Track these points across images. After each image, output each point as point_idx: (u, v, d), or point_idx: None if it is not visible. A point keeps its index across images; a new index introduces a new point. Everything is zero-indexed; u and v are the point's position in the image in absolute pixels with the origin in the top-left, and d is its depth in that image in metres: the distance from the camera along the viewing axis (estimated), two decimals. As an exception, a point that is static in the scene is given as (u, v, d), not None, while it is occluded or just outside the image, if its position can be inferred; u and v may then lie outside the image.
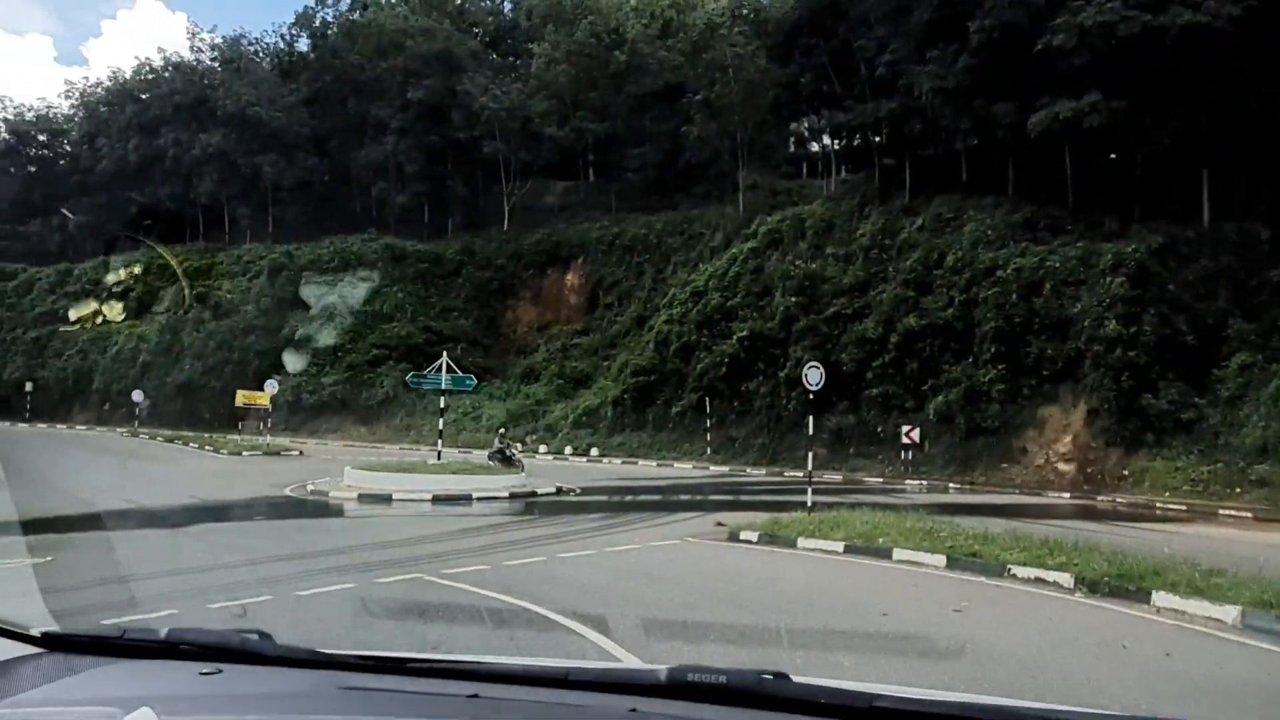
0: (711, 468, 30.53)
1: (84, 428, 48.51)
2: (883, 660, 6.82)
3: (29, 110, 69.83)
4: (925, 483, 25.73)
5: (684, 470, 30.40)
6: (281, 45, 63.77)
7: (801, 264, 33.48)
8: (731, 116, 42.83)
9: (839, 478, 27.35)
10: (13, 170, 68.81)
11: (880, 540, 12.11)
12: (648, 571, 10.88)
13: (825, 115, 39.82)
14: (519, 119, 50.10)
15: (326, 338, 45.03)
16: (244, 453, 31.46)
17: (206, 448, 33.21)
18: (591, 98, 50.95)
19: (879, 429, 29.00)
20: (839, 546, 12.30)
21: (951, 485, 25.29)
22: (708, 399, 33.07)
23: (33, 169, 68.99)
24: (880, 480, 26.82)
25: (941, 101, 31.41)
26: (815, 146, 50.74)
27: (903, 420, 28.21)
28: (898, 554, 11.58)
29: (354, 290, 45.95)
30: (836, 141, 44.91)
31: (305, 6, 60.81)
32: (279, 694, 1.77)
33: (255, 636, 1.97)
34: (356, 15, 57.21)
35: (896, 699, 1.58)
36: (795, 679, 1.68)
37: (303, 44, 62.80)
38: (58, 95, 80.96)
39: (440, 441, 24.44)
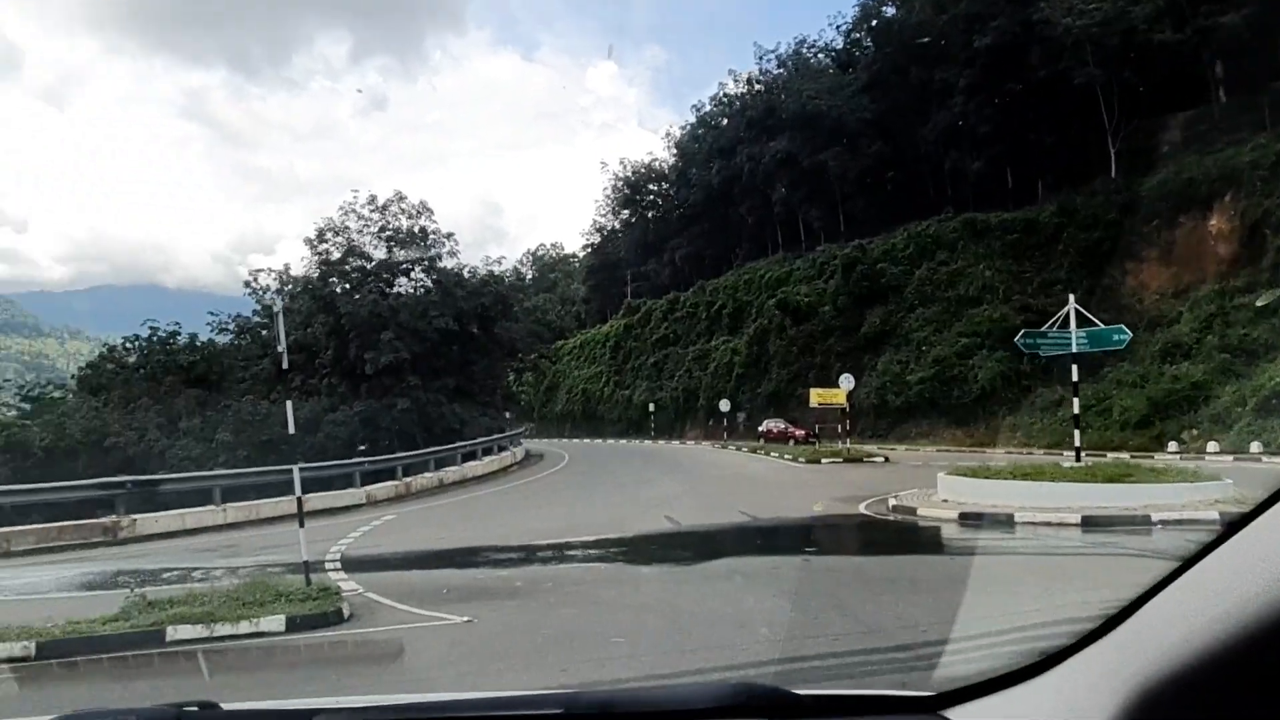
0: None
1: (692, 442, 51.27)
2: None
3: (642, 167, 79.83)
4: None
5: None
6: (840, 42, 61.88)
7: None
8: None
9: None
10: (634, 220, 79.30)
11: None
12: None
13: None
14: (1117, 33, 39.78)
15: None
16: (823, 460, 28.29)
17: (785, 456, 30.98)
18: (1223, -21, 38.22)
19: None
20: None
21: None
22: None
23: (648, 214, 78.40)
24: None
25: None
26: None
27: None
28: None
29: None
30: None
31: (862, 4, 57.78)
32: None
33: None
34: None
35: (334, 710, 1.46)
36: (226, 706, 1.40)
37: (862, 37, 59.87)
38: (661, 145, 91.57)
39: (1078, 434, 17.62)
